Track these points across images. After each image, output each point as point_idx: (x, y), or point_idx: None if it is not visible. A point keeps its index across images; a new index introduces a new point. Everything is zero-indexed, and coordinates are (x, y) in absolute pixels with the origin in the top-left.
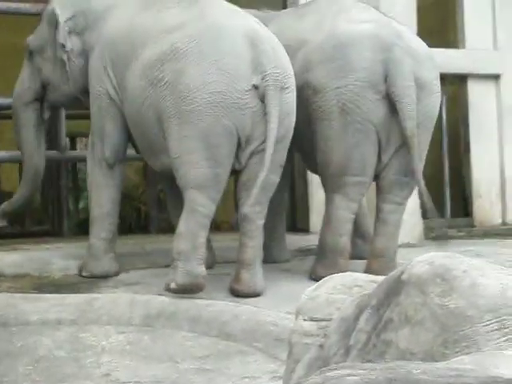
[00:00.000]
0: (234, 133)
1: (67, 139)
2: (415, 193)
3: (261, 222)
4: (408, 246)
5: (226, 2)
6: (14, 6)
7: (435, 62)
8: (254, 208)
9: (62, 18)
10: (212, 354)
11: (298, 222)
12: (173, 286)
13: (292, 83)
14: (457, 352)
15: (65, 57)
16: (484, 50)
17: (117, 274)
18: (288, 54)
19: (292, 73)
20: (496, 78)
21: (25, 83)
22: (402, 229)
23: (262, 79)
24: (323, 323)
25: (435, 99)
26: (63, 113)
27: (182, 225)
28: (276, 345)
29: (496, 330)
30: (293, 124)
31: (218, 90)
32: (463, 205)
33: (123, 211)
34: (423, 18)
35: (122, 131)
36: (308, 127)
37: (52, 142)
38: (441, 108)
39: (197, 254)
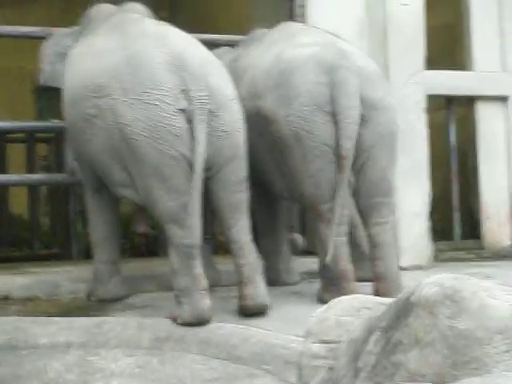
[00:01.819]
0: (181, 159)
1: (75, 163)
2: (423, 214)
3: (246, 238)
4: (417, 268)
5: (158, 26)
6: (22, 29)
7: (384, 79)
8: (234, 228)
9: (70, 42)
10: (221, 377)
11: (307, 244)
12: (179, 321)
13: (228, 104)
14: (467, 374)
15: None
16: (492, 71)
17: (125, 296)
18: (239, 77)
19: (228, 93)
20: (504, 99)
21: None
22: (411, 251)
23: (188, 103)
24: (332, 345)
25: (389, 116)
26: None
27: (174, 262)
28: (285, 367)
29: (505, 351)
30: (240, 142)
31: (148, 124)
32: (472, 227)
33: (132, 234)
34: (432, 41)
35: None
36: (272, 158)
37: (61, 165)
38: (449, 130)
39: (197, 286)
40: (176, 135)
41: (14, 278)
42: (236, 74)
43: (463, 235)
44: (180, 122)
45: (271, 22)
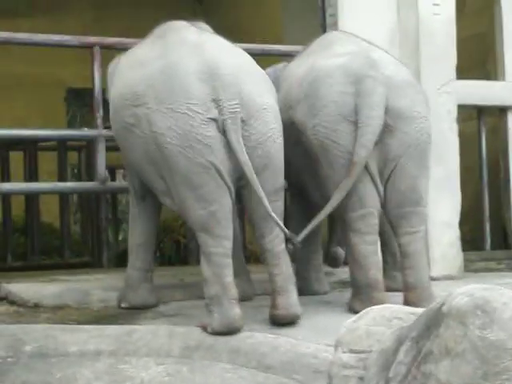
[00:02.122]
0: (211, 168)
1: (107, 171)
2: (454, 224)
3: (279, 248)
4: (448, 278)
5: (199, 35)
6: (54, 37)
7: (416, 88)
8: (267, 238)
9: None
10: None
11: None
12: (210, 330)
13: (260, 112)
14: None
15: None
16: None
17: (155, 304)
18: (279, 87)
19: (261, 101)
20: None
21: None
22: (441, 261)
23: (219, 112)
24: (363, 355)
25: (418, 126)
26: (103, 144)
27: (205, 270)
28: (315, 377)
29: None
30: (273, 151)
31: (178, 133)
32: (503, 237)
33: (162, 243)
34: (463, 51)
35: None
36: (307, 167)
37: (91, 173)
38: (480, 140)
39: (228, 295)
40: (206, 144)
41: (44, 286)
42: (278, 85)
43: (494, 246)
44: (210, 131)
45: (303, 32)
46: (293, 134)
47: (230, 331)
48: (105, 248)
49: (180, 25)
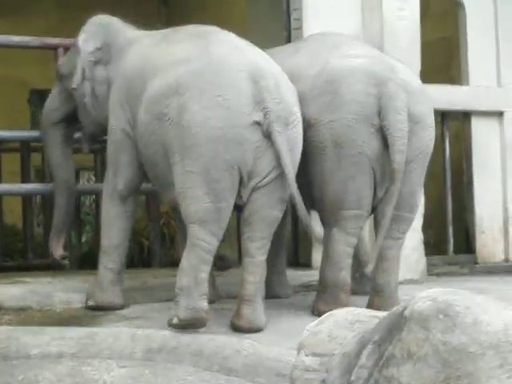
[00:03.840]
0: (235, 167)
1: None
2: (417, 229)
3: (262, 257)
4: (410, 281)
5: (235, 38)
6: (15, 38)
7: (429, 96)
8: (256, 243)
9: (85, 50)
10: None
11: (300, 257)
12: (175, 321)
13: (296, 118)
14: None
15: (86, 89)
16: (488, 86)
17: (122, 306)
18: None
19: (297, 108)
20: (500, 114)
21: (53, 104)
22: (404, 264)
23: (265, 116)
24: (325, 358)
25: (430, 133)
26: None
27: (184, 260)
28: (278, 380)
29: (498, 366)
30: (297, 159)
31: (218, 126)
32: (466, 241)
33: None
34: (427, 55)
35: (137, 165)
36: (302, 161)
37: None
38: (444, 144)
39: (199, 288)
40: (240, 144)
41: (6, 288)
42: None
43: (457, 250)
44: (250, 133)
45: (267, 35)
46: None
47: (195, 322)
48: (68, 250)
49: (212, 28)
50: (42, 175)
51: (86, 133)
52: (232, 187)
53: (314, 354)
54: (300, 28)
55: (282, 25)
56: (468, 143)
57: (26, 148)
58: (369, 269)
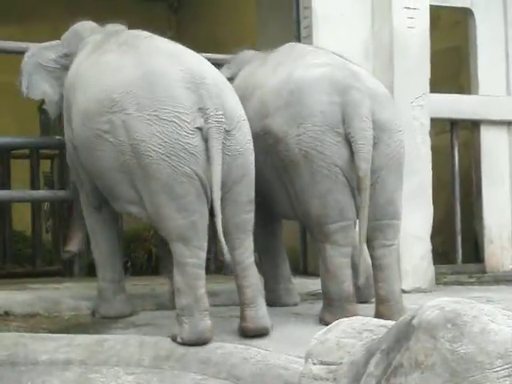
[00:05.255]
0: (195, 177)
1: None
2: (426, 237)
3: (249, 260)
4: (419, 290)
5: (170, 45)
6: (23, 45)
7: (394, 102)
8: (238, 250)
9: (53, 55)
10: None
11: (308, 265)
12: (179, 340)
13: (240, 123)
14: None
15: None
16: (497, 96)
17: (130, 314)
18: (245, 97)
19: (241, 113)
20: (509, 124)
21: None
22: (412, 273)
23: (205, 121)
24: (333, 367)
25: (397, 138)
26: None
27: (178, 280)
28: None
29: (506, 376)
30: (250, 162)
31: (164, 140)
32: (475, 250)
33: (134, 253)
34: (437, 64)
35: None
36: (277, 177)
37: (63, 182)
38: (453, 153)
39: (200, 305)
40: (191, 153)
41: (15, 294)
42: (240, 95)
43: (466, 259)
44: (196, 140)
45: (278, 44)
46: (265, 143)
47: (199, 342)
48: (76, 257)
49: (144, 34)
50: (52, 182)
51: None
52: (200, 197)
53: (322, 363)
54: (310, 36)
55: (291, 33)
56: (477, 152)
57: (35, 155)
58: (360, 282)
